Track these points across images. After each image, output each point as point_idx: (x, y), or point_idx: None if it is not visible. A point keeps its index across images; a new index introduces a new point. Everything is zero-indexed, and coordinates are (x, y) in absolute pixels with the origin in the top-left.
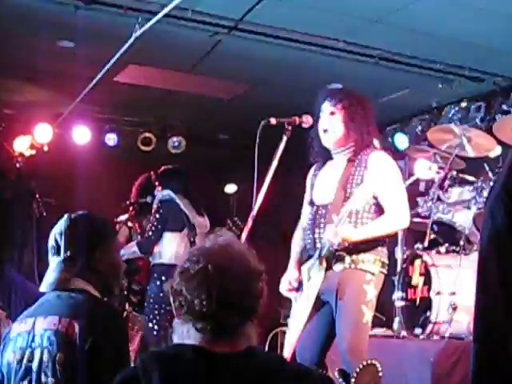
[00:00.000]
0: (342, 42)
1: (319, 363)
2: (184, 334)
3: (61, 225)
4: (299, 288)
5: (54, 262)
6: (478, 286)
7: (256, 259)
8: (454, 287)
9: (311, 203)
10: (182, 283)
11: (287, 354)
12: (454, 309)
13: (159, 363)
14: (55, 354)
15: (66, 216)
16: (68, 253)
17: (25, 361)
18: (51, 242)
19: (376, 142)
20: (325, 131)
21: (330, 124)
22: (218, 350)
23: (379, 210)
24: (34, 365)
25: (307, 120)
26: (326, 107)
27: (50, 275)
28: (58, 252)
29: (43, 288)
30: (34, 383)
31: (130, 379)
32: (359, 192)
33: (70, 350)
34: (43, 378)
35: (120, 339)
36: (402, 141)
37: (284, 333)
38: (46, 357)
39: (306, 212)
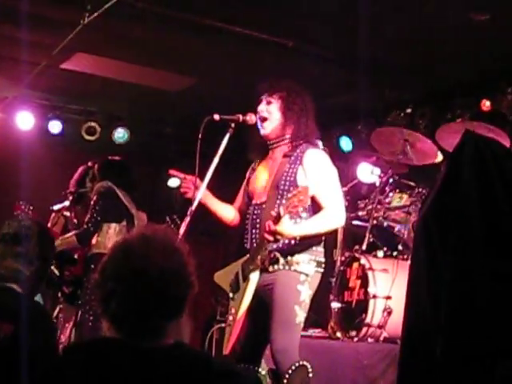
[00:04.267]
0: (291, 40)
1: (255, 362)
2: (108, 328)
3: None
4: (235, 288)
5: None
6: (407, 297)
7: (186, 250)
8: (390, 291)
9: (248, 201)
10: (102, 281)
11: (225, 351)
12: (389, 313)
13: (81, 356)
14: None
15: None
16: None
17: None
18: None
19: (316, 140)
20: (262, 120)
21: (267, 113)
22: (143, 345)
23: (314, 208)
24: None
25: (251, 118)
26: (264, 96)
27: None
28: None
29: None
30: None
31: (53, 371)
32: (292, 201)
33: None
34: None
35: (47, 335)
36: (345, 143)
37: (221, 330)
38: None
39: (242, 210)
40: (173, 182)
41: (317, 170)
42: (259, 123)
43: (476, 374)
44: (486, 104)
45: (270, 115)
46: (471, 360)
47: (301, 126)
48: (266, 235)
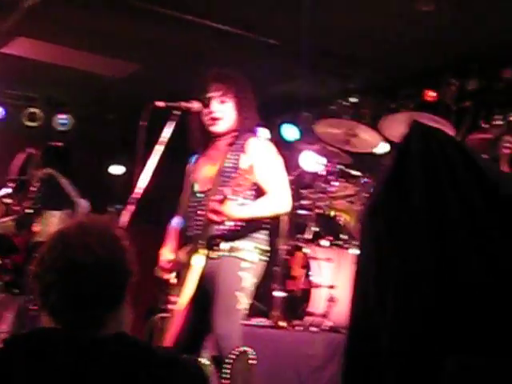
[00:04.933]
0: (236, 28)
1: (197, 350)
2: (48, 320)
3: None
4: (178, 273)
5: None
6: (353, 289)
7: (124, 239)
8: (334, 281)
9: (191, 190)
10: (41, 273)
11: (167, 340)
12: (333, 302)
13: (22, 346)
14: None
15: None
16: None
17: None
18: None
19: (260, 130)
20: (214, 119)
21: (221, 113)
22: (82, 335)
23: (257, 195)
24: None
25: (195, 105)
26: (216, 94)
27: None
28: None
29: None
30: None
31: None
32: (238, 180)
33: None
34: None
35: None
36: (290, 132)
37: (163, 319)
38: None
39: (186, 198)
40: (115, 170)
41: (260, 158)
42: (209, 122)
43: (423, 370)
44: (431, 94)
45: (224, 115)
46: (418, 354)
47: (247, 120)
48: (211, 215)
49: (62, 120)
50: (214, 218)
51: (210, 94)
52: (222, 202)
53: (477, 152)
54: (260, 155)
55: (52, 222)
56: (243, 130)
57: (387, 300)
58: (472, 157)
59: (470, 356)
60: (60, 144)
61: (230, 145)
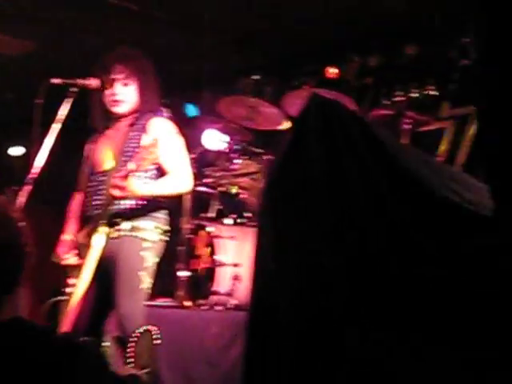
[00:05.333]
0: (136, 4)
1: (97, 332)
2: None
3: None
4: (78, 255)
5: None
6: (253, 266)
7: (19, 220)
8: (238, 259)
9: (91, 170)
10: None
11: (66, 323)
12: (238, 280)
13: None
14: None
15: None
16: None
17: None
18: None
19: (167, 111)
20: (116, 101)
21: (124, 95)
22: None
23: (160, 175)
24: None
25: (93, 82)
26: (119, 76)
27: None
28: None
29: None
30: None
31: None
32: (141, 155)
33: None
34: None
35: None
36: (192, 110)
37: (61, 302)
38: None
39: (86, 178)
40: (14, 151)
41: (162, 137)
42: (111, 103)
43: (323, 343)
44: (332, 71)
45: (127, 97)
46: (319, 328)
47: (150, 100)
48: (114, 191)
49: None
50: (117, 193)
51: (112, 76)
52: (125, 177)
53: (376, 125)
54: (161, 135)
55: None
56: (145, 111)
57: (288, 275)
58: (370, 128)
59: (368, 329)
60: None
61: (131, 125)
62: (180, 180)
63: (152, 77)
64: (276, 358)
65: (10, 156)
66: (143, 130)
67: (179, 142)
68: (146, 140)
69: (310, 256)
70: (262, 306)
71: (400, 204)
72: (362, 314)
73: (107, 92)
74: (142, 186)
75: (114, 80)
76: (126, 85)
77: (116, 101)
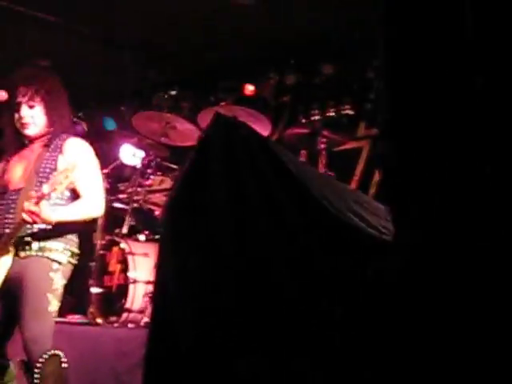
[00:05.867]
0: (54, 16)
1: (2, 355)
2: None
3: None
4: None
5: None
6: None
7: None
8: (151, 276)
9: (3, 189)
10: None
11: None
12: (150, 297)
13: None
14: None
15: None
16: None
17: None
18: None
19: (82, 125)
20: (24, 124)
21: (30, 117)
22: None
23: (72, 196)
24: None
25: (1, 95)
26: (23, 99)
27: None
28: None
29: None
30: None
31: None
32: (58, 179)
33: None
34: None
35: None
36: (110, 123)
37: None
38: None
39: None
40: None
41: (78, 159)
42: (19, 126)
43: (216, 370)
44: (249, 88)
45: (34, 119)
46: (214, 353)
47: (60, 119)
48: (25, 215)
49: None
50: (28, 218)
51: (18, 99)
52: (37, 202)
53: (280, 147)
54: (77, 157)
55: None
56: (58, 131)
57: (187, 297)
58: (274, 151)
59: (259, 357)
60: None
61: (46, 146)
62: (92, 205)
63: (59, 96)
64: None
65: None
66: (59, 151)
67: (94, 165)
68: (62, 162)
69: (212, 278)
70: (161, 326)
71: (305, 227)
72: (254, 341)
73: (16, 115)
74: (53, 212)
75: (19, 103)
76: (31, 107)
77: (24, 124)
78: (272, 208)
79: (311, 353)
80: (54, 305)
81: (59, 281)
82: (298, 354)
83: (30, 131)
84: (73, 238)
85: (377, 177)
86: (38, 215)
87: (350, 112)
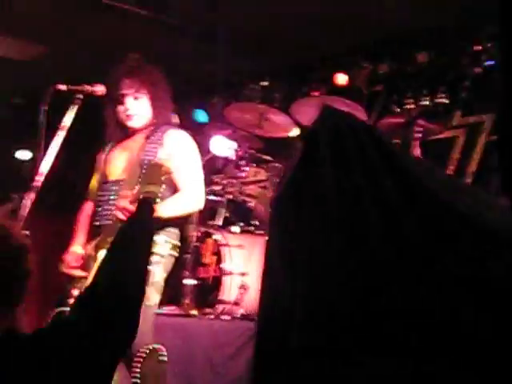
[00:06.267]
0: (147, 10)
1: None
2: None
3: None
4: (84, 267)
5: None
6: (262, 281)
7: (22, 237)
8: (246, 267)
9: (104, 179)
10: None
11: None
12: (245, 289)
13: None
14: None
15: None
16: None
17: None
18: None
19: (174, 118)
20: (130, 116)
21: (136, 109)
22: None
23: (173, 189)
24: None
25: (100, 89)
26: (129, 91)
27: None
28: None
29: None
30: None
31: None
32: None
33: None
34: None
35: None
36: (201, 116)
37: (67, 312)
38: None
39: (96, 186)
40: (21, 154)
41: (177, 150)
42: (124, 117)
43: (334, 369)
44: (342, 78)
45: (140, 110)
46: (327, 354)
47: (163, 111)
48: (119, 213)
49: None
50: (122, 216)
51: (123, 91)
52: (132, 200)
53: (387, 137)
54: (177, 148)
55: None
56: (160, 123)
57: (297, 290)
58: (383, 141)
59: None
60: None
61: (148, 137)
62: (193, 199)
63: (163, 88)
64: (283, 368)
65: (17, 160)
66: (160, 142)
67: (195, 157)
68: (162, 154)
69: (320, 269)
70: (271, 316)
71: (415, 221)
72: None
73: (120, 107)
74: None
75: (124, 95)
76: (136, 98)
77: (129, 115)
78: (381, 200)
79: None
80: (155, 298)
81: (160, 273)
82: (440, 355)
83: (135, 123)
84: (173, 230)
85: (473, 167)
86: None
87: (445, 101)
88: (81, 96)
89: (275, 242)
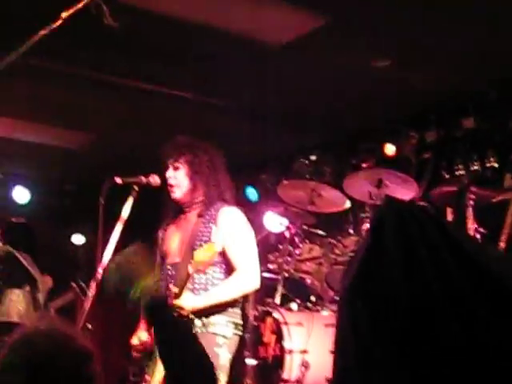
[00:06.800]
0: (190, 92)
1: None
2: None
3: None
4: (151, 352)
5: None
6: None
7: (85, 339)
8: (306, 345)
9: (163, 259)
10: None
11: None
12: (306, 367)
13: None
14: None
15: None
16: None
17: None
18: None
19: (228, 195)
20: (170, 186)
21: (175, 179)
22: None
23: (228, 268)
24: None
25: (154, 180)
26: (170, 162)
27: None
28: None
29: None
30: None
31: None
32: (206, 250)
33: None
34: None
35: None
36: (253, 193)
37: None
38: None
39: (158, 265)
40: (77, 239)
41: (231, 229)
42: (169, 188)
43: None
44: (390, 148)
45: (178, 181)
46: None
47: (211, 186)
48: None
49: (20, 193)
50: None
51: (164, 159)
52: (175, 297)
53: (457, 227)
54: (231, 228)
55: (13, 301)
56: (210, 199)
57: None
58: (449, 230)
59: None
60: (22, 220)
61: (200, 215)
62: (248, 279)
63: (208, 160)
64: None
65: (72, 244)
66: (213, 220)
67: (248, 234)
68: (216, 234)
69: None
70: None
71: (489, 315)
72: None
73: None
74: (198, 300)
75: (166, 165)
76: (175, 169)
77: (169, 185)
78: (449, 287)
79: None
80: (222, 381)
81: (225, 356)
82: None
83: (175, 194)
84: (235, 310)
85: None
86: (183, 308)
87: (495, 164)
88: (136, 188)
89: (345, 339)
